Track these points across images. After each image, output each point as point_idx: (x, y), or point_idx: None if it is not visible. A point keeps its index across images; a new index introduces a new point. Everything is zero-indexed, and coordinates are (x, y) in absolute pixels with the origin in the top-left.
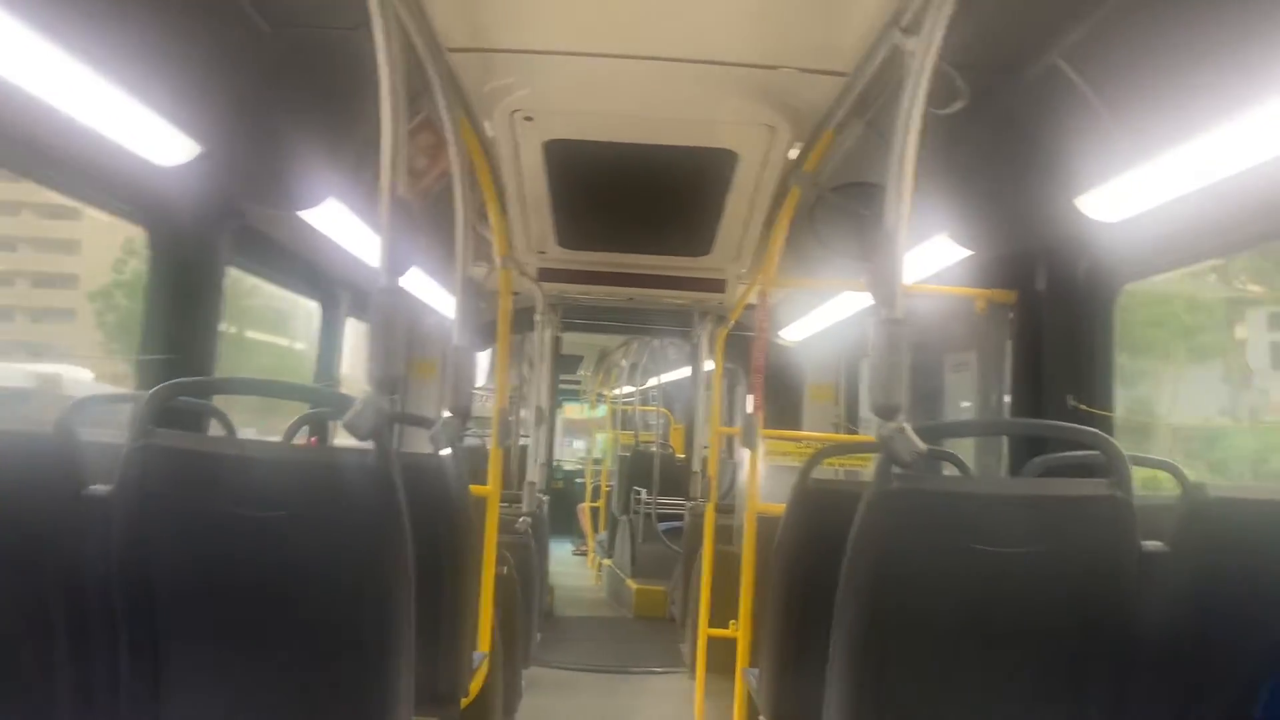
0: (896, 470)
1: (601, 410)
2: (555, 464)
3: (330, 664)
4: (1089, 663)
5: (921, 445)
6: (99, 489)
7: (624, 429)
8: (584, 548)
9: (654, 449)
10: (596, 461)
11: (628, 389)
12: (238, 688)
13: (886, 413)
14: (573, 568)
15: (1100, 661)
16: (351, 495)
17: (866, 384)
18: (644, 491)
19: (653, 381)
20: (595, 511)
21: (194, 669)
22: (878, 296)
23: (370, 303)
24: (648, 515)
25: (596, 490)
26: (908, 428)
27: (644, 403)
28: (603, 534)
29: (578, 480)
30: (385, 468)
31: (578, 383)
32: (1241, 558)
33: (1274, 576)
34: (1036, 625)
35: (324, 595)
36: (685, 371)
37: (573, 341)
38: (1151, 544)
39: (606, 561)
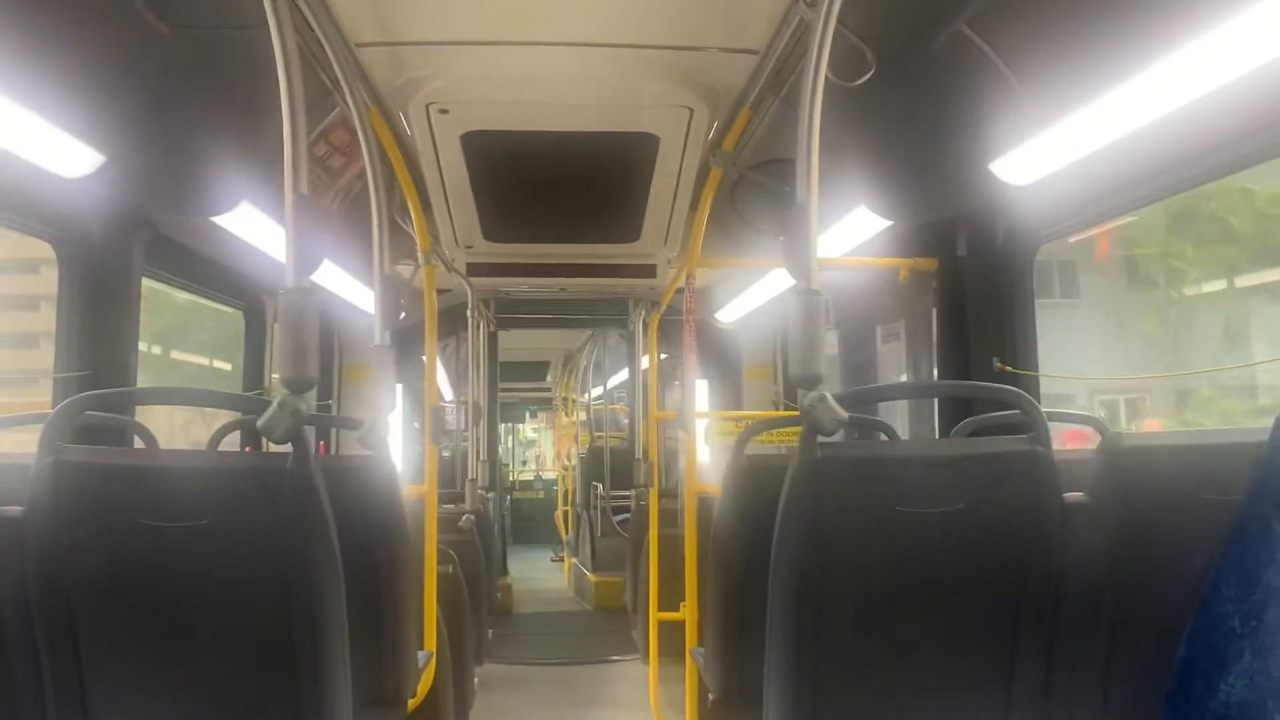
0: (821, 439)
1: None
2: (535, 474)
3: (262, 673)
4: (1019, 613)
5: (843, 413)
6: (10, 510)
7: (597, 430)
8: (562, 554)
9: (605, 444)
10: (566, 467)
11: (598, 391)
12: (168, 703)
13: (807, 382)
14: (549, 572)
15: (1029, 611)
16: (273, 500)
17: (789, 355)
18: (600, 486)
19: (622, 377)
20: (568, 514)
21: (121, 687)
22: (792, 269)
23: (279, 303)
24: (604, 509)
25: (569, 494)
26: (829, 396)
27: (613, 402)
28: (572, 534)
29: (555, 488)
30: (304, 470)
31: (548, 389)
32: (1159, 501)
33: (1191, 517)
34: (966, 581)
35: (251, 603)
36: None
37: (536, 347)
38: (1073, 495)
39: (574, 559)
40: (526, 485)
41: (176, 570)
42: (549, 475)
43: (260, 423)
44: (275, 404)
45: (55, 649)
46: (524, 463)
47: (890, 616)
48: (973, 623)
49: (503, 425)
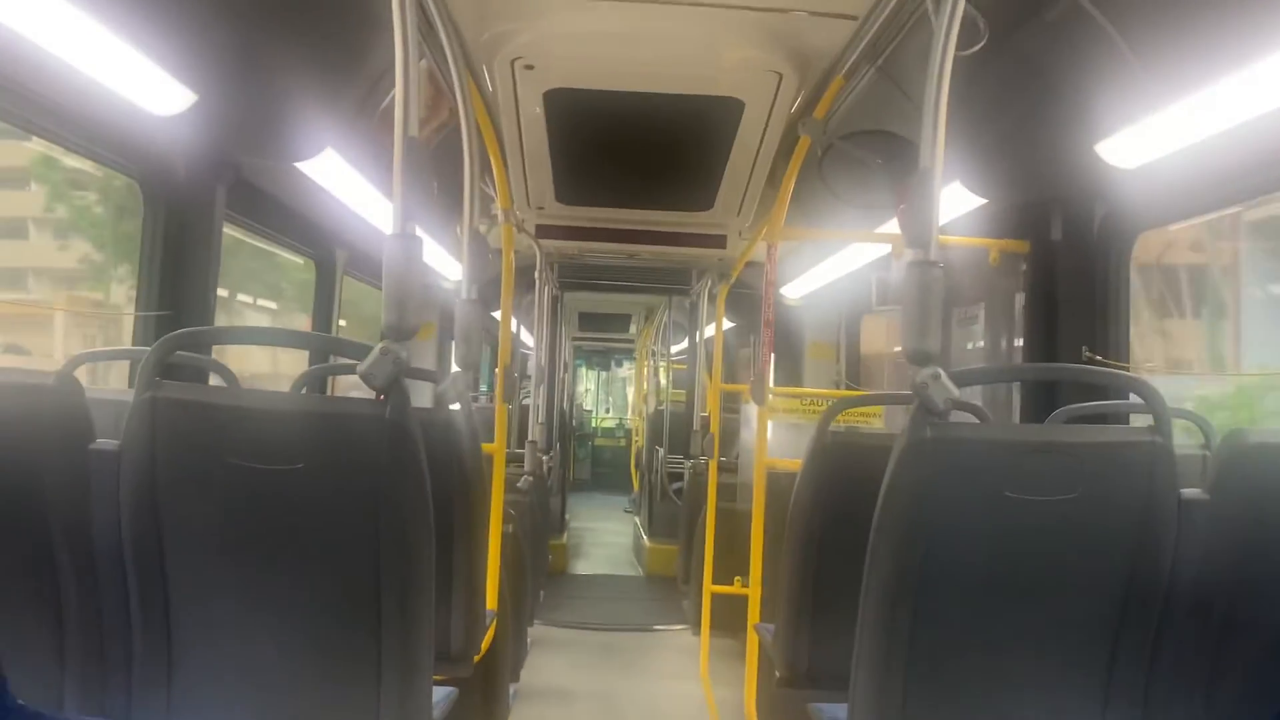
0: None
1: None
2: (619, 421)
3: (349, 622)
4: (1124, 611)
5: (955, 392)
6: (107, 443)
7: (676, 388)
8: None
9: (667, 407)
10: (636, 427)
11: (679, 347)
12: (252, 645)
13: (920, 359)
14: (619, 523)
15: (1135, 609)
16: (368, 447)
17: (901, 329)
18: (661, 450)
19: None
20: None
21: (207, 625)
22: (911, 238)
23: (384, 251)
24: (663, 475)
25: (638, 454)
26: (943, 374)
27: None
28: (637, 493)
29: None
30: (402, 419)
31: (631, 341)
32: None
33: None
34: (1070, 574)
35: (341, 551)
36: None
37: (619, 300)
38: (1190, 491)
39: (636, 518)
40: (609, 432)
41: (267, 512)
42: (631, 423)
43: (361, 369)
44: (377, 350)
45: (144, 582)
46: (607, 410)
47: (992, 604)
48: (1074, 618)
49: (589, 371)
